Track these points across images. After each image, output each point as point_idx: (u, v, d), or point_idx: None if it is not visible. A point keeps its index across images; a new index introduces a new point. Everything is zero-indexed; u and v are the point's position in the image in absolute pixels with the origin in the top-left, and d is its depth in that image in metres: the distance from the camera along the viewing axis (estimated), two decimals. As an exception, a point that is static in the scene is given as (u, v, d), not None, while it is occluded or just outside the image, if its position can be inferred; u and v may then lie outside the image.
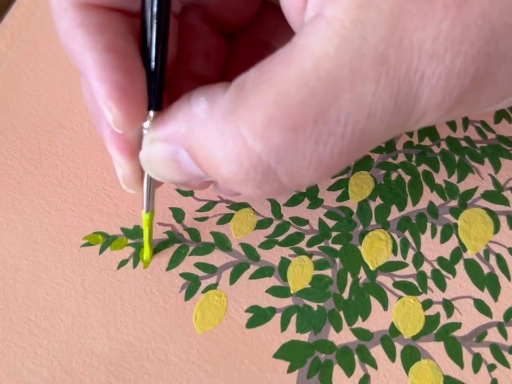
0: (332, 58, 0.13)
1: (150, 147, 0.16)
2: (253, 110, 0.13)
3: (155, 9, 0.15)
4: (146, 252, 0.25)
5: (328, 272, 0.25)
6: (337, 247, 0.26)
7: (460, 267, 0.25)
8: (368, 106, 0.13)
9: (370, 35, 0.13)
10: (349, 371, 0.23)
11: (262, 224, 0.26)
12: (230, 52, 0.21)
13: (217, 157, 0.14)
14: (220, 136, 0.14)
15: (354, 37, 0.13)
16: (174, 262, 0.26)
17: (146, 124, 0.17)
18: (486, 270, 0.25)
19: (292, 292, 0.25)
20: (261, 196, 0.15)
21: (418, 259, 0.25)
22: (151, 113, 0.16)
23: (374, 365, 0.23)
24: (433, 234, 0.26)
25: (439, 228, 0.26)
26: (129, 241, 0.26)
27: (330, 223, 0.26)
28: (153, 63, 0.16)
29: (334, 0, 0.13)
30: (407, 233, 0.26)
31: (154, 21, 0.15)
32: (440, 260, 0.25)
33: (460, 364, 0.23)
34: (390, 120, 0.14)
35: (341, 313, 0.24)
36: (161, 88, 0.16)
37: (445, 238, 0.26)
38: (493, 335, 0.24)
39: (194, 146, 0.15)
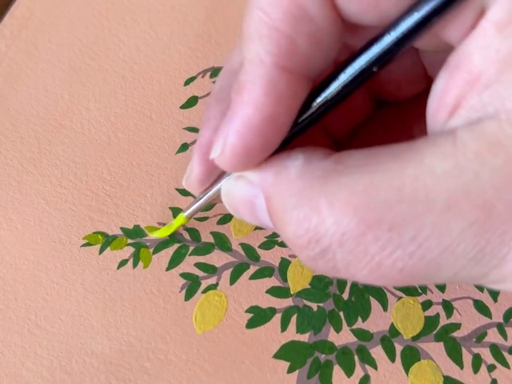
0: (436, 178, 0.12)
1: (235, 181, 0.17)
2: (340, 187, 0.13)
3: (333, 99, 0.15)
4: (163, 231, 0.26)
5: (328, 272, 0.25)
6: (337, 247, 0.26)
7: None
8: (450, 241, 0.12)
9: (486, 178, 0.12)
10: (349, 371, 0.23)
11: (262, 224, 0.26)
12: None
13: (289, 215, 0.14)
14: (300, 197, 0.14)
15: (469, 170, 0.12)
16: (174, 262, 0.26)
17: None
18: (485, 270, 0.25)
19: (292, 292, 0.25)
20: (312, 267, 0.15)
21: (418, 259, 0.25)
22: None
23: (374, 365, 0.23)
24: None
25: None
26: (129, 241, 0.26)
27: (330, 223, 0.26)
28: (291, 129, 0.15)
29: (472, 126, 0.12)
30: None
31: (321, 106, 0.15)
32: (440, 261, 0.25)
33: (460, 364, 0.23)
34: (464, 266, 0.13)
35: (341, 313, 0.24)
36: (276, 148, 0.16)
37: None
38: (493, 336, 0.24)
39: (274, 197, 0.15)
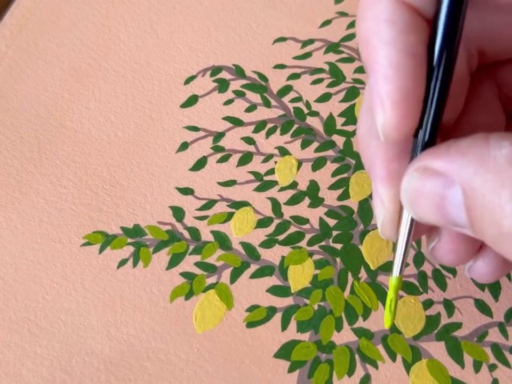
0: None
1: (419, 175, 0.15)
2: None
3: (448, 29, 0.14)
4: (387, 318, 0.21)
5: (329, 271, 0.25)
6: (338, 246, 0.26)
7: (460, 267, 0.25)
8: None
9: None
10: (350, 371, 0.23)
11: (263, 223, 0.26)
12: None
13: (504, 207, 0.13)
14: None
15: None
16: (174, 261, 0.26)
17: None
18: (487, 269, 0.25)
19: (292, 291, 0.25)
20: None
21: (419, 259, 0.25)
22: (419, 142, 0.15)
23: (375, 365, 0.23)
24: (434, 233, 0.26)
25: (440, 227, 0.26)
26: (129, 240, 0.26)
27: (331, 222, 0.26)
28: (436, 89, 0.15)
29: None
30: (407, 233, 0.26)
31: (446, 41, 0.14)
32: (441, 260, 0.25)
33: (461, 363, 0.23)
34: None
35: (342, 312, 0.24)
36: (438, 120, 0.15)
37: (445, 238, 0.26)
38: (494, 335, 0.23)
39: (478, 189, 0.13)
